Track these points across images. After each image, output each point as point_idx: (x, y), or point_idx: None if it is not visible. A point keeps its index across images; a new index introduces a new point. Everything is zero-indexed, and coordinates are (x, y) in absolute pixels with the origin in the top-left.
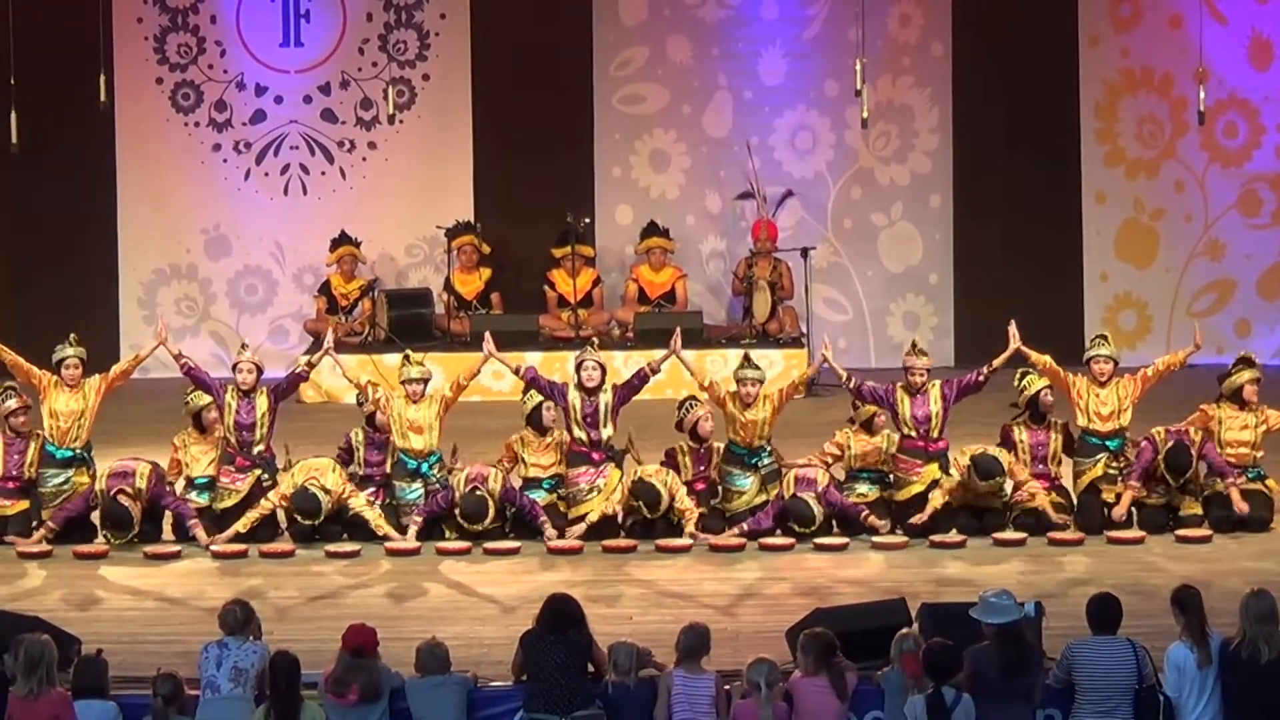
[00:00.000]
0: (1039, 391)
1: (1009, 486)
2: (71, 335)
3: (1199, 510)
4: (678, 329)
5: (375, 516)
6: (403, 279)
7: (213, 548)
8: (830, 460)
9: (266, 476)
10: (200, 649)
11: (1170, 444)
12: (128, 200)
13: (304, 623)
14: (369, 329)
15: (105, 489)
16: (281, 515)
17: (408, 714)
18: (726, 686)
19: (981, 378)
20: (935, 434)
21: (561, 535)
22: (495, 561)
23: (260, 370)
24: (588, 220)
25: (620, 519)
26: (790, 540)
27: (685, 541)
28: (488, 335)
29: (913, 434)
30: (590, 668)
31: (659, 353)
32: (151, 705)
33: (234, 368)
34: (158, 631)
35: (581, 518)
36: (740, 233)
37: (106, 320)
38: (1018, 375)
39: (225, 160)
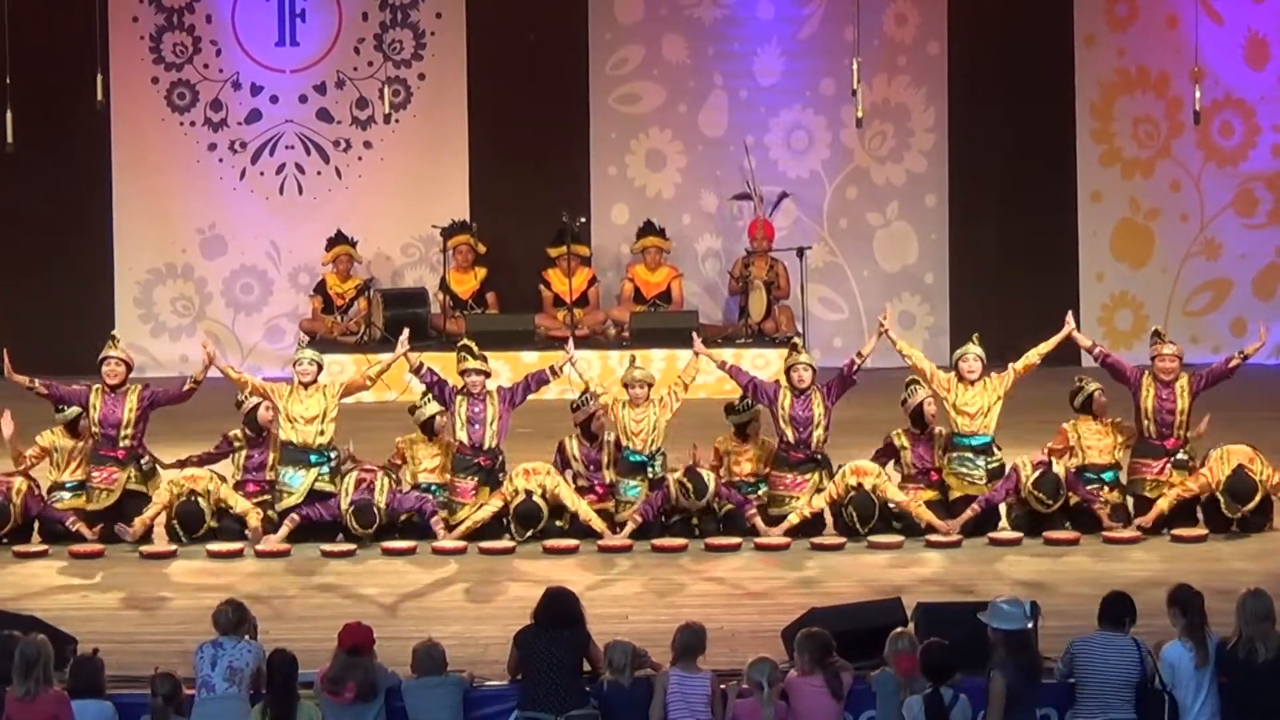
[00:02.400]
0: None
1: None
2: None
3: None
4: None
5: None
6: (398, 278)
7: (209, 547)
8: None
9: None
10: (195, 648)
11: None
12: (123, 199)
13: (299, 622)
14: (365, 328)
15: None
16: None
17: (404, 713)
18: (723, 686)
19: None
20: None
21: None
22: (492, 561)
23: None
24: (583, 219)
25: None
26: (786, 540)
27: (680, 541)
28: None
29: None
30: (586, 666)
31: (656, 354)
32: (149, 704)
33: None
34: (154, 631)
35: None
36: (736, 232)
37: (102, 319)
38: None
39: (221, 159)
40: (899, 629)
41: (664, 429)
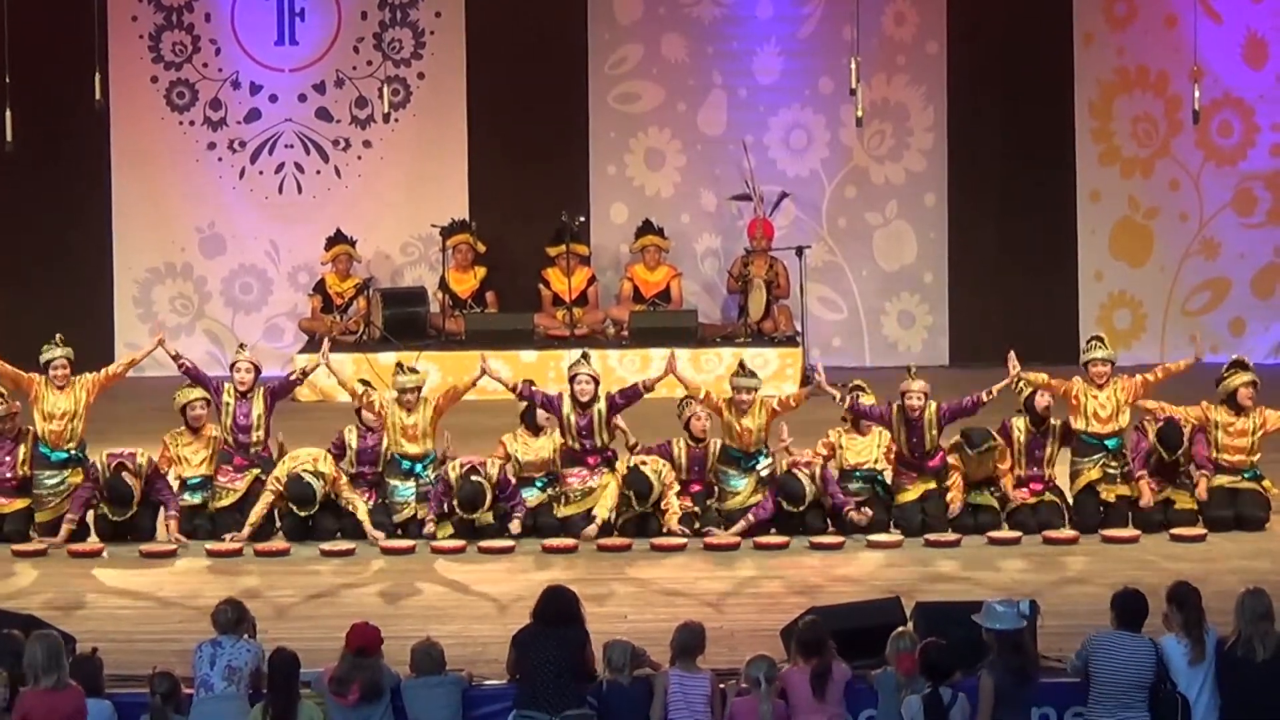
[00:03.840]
0: (1034, 393)
1: (1004, 466)
2: (58, 335)
3: (1193, 505)
4: (672, 352)
5: (365, 513)
6: (398, 277)
7: (207, 546)
8: (823, 458)
9: (264, 475)
10: (194, 648)
11: (1161, 424)
12: (122, 198)
13: (300, 621)
14: (364, 327)
15: (106, 463)
16: (275, 512)
17: (403, 712)
18: (721, 685)
19: (974, 402)
20: (930, 451)
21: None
22: (491, 560)
23: (258, 370)
24: (583, 219)
25: (613, 516)
26: (785, 539)
27: (680, 540)
28: (484, 358)
29: (906, 454)
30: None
31: (655, 353)
32: (148, 704)
33: (231, 367)
34: (152, 630)
35: (571, 516)
36: (735, 231)
37: (101, 318)
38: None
39: (220, 159)
40: (900, 629)
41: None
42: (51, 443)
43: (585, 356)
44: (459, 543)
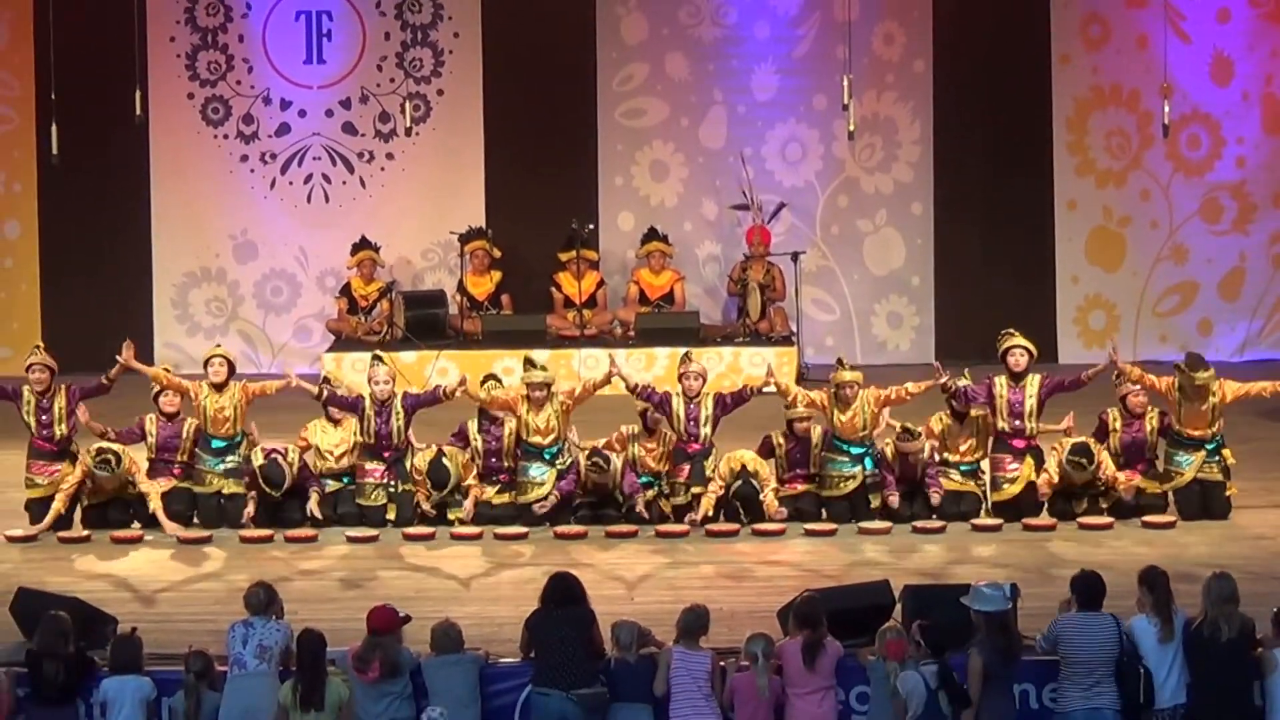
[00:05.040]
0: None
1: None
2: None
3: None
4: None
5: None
6: (419, 281)
7: (241, 533)
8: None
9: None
10: (228, 628)
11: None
12: (161, 207)
13: (326, 603)
14: (387, 328)
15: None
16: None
17: (424, 690)
18: (722, 663)
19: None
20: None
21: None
22: (507, 545)
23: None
24: (592, 226)
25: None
26: (782, 526)
27: (683, 526)
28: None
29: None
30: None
31: (660, 352)
32: (184, 681)
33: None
34: (190, 612)
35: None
36: (735, 238)
37: (141, 320)
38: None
39: (252, 170)
40: (888, 623)
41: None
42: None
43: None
44: (475, 529)
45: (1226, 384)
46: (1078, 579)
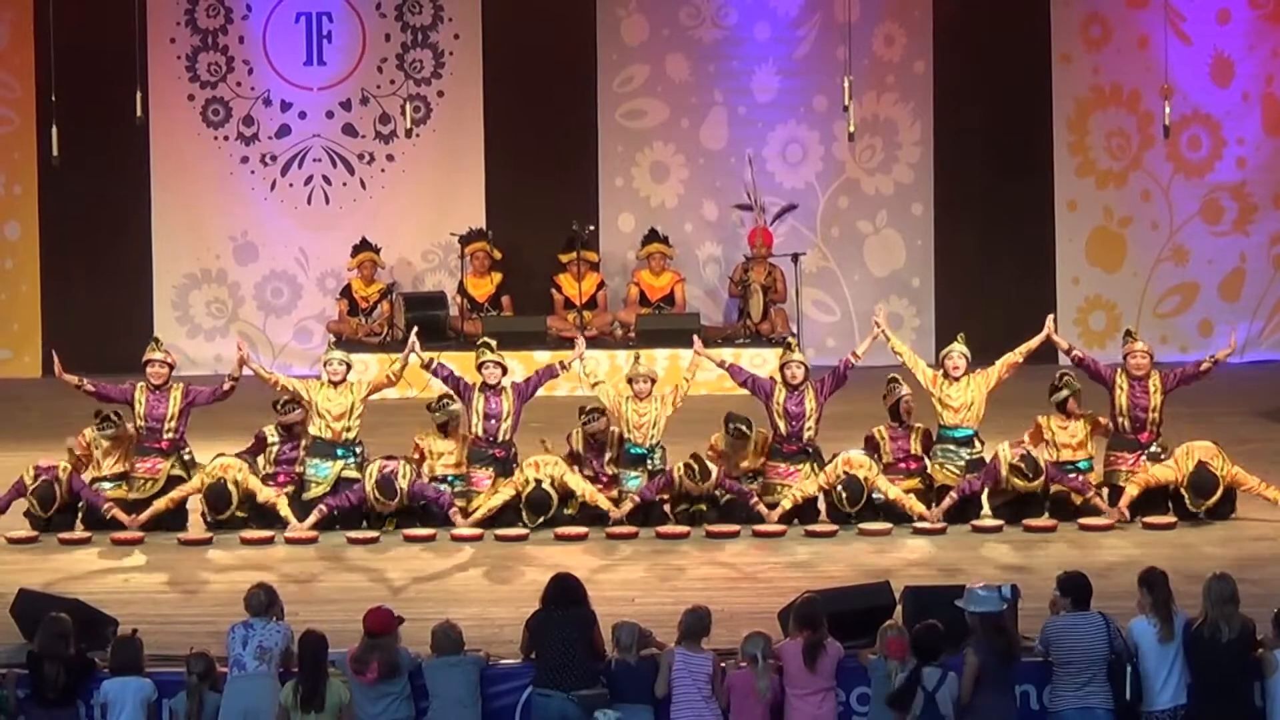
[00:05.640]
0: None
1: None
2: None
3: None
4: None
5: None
6: (419, 283)
7: (242, 535)
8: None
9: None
10: (228, 629)
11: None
12: (161, 209)
13: (327, 605)
14: (387, 329)
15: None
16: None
17: (425, 691)
18: (723, 664)
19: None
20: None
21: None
22: (506, 547)
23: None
24: (592, 228)
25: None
26: (782, 527)
27: (684, 528)
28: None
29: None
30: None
31: (660, 353)
32: (185, 682)
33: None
34: (190, 613)
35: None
36: (735, 239)
37: (142, 321)
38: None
39: (253, 172)
40: (889, 621)
41: (664, 424)
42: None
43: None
44: (476, 531)
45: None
46: (1064, 580)
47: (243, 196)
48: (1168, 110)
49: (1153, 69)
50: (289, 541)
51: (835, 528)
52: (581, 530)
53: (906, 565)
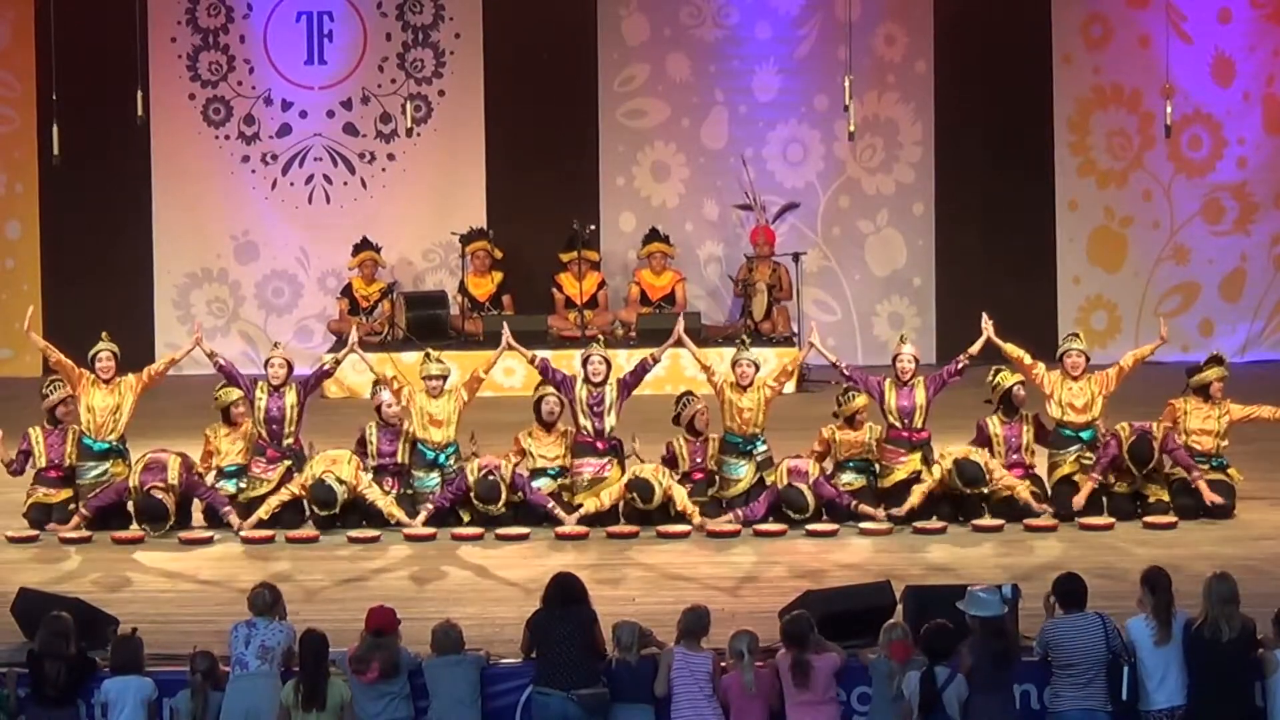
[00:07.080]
0: (1012, 386)
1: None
2: (104, 333)
3: (1165, 496)
4: (680, 318)
5: (387, 504)
6: (420, 282)
7: (242, 533)
8: (818, 454)
9: (295, 467)
10: (230, 628)
11: (1133, 438)
12: (162, 208)
13: (328, 604)
14: (388, 329)
15: (139, 484)
16: (306, 503)
17: (425, 690)
18: (723, 664)
19: (959, 366)
20: (919, 424)
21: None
22: (507, 546)
23: (290, 366)
24: (593, 227)
25: (620, 510)
26: (783, 526)
27: (685, 527)
28: (506, 326)
29: (897, 424)
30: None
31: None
32: (188, 681)
33: (266, 363)
34: (190, 612)
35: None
36: (736, 238)
37: (142, 320)
38: (991, 371)
39: (254, 171)
40: (892, 620)
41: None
42: (94, 433)
43: (598, 341)
44: (477, 530)
45: (1232, 406)
46: (1059, 582)
47: (243, 196)
48: (1169, 110)
49: (1153, 69)
50: (408, 539)
51: (835, 526)
52: (583, 530)
53: (907, 563)
